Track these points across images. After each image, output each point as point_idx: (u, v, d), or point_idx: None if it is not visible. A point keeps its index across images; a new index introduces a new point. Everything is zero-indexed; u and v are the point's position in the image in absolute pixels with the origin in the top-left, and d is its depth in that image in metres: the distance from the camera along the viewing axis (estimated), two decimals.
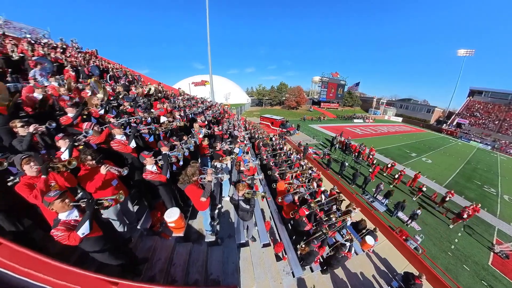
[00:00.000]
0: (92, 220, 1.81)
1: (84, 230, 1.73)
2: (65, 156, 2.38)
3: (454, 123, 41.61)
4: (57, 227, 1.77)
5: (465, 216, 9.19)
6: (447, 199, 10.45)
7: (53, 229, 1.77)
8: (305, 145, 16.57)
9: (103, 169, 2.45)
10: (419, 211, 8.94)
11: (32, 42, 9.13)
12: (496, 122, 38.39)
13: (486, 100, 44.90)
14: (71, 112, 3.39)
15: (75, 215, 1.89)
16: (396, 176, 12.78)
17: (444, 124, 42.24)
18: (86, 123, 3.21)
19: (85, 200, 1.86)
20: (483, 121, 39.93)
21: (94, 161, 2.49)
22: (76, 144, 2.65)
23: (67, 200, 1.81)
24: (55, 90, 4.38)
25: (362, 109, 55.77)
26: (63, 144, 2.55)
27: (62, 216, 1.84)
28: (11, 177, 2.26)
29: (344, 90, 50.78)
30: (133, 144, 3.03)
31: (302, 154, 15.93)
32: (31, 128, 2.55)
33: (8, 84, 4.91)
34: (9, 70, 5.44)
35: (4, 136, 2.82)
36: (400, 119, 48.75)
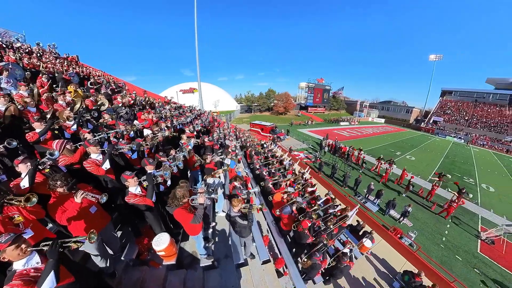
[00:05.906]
0: (58, 269, 1.43)
1: (48, 285, 1.34)
2: (24, 184, 1.97)
3: (431, 121, 44.61)
4: (11, 282, 1.37)
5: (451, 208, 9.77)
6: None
7: (4, 285, 1.38)
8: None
9: (77, 198, 2.07)
10: (410, 208, 9.14)
11: (3, 46, 8.28)
12: (466, 118, 41.92)
13: (456, 99, 49.25)
14: (38, 127, 2.94)
15: (35, 261, 1.48)
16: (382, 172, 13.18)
17: (422, 123, 45.09)
18: (57, 141, 2.80)
19: (48, 243, 1.48)
20: (455, 117, 43.31)
21: (65, 188, 2.11)
22: (40, 168, 2.24)
23: (23, 246, 1.42)
24: (20, 100, 3.84)
25: (347, 112, 58.06)
26: (23, 169, 2.12)
27: (18, 266, 1.43)
28: None
29: (330, 95, 52.80)
30: (106, 165, 2.60)
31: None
32: None
33: None
34: None
35: None
36: (383, 120, 51.27)
